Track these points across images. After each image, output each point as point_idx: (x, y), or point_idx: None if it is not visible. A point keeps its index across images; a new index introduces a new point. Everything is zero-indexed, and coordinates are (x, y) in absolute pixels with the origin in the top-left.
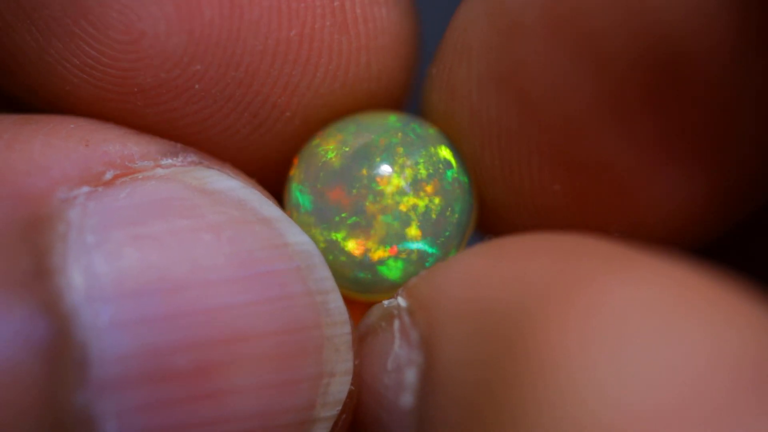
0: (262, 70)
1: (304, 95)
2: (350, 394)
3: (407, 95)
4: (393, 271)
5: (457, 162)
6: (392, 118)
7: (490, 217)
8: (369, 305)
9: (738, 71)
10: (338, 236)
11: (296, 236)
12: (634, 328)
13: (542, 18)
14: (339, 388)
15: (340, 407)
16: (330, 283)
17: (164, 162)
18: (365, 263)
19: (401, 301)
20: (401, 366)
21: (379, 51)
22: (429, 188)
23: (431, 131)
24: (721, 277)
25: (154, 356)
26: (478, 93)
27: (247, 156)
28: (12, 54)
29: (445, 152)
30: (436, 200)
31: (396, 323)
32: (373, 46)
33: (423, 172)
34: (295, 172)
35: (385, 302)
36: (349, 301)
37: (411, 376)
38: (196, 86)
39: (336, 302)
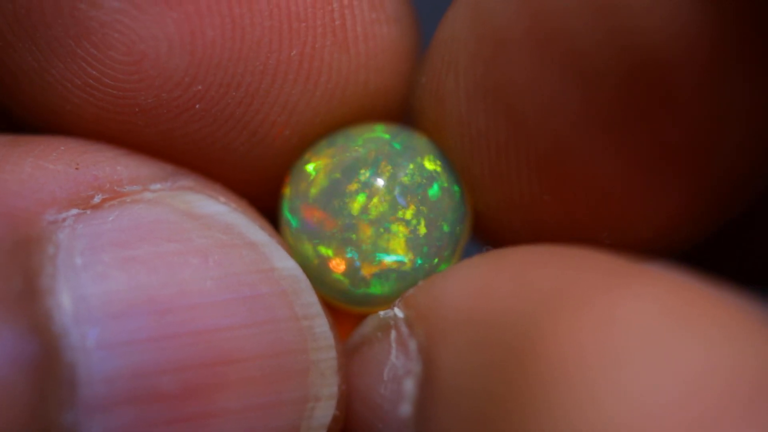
0: (263, 89)
1: (302, 113)
2: (335, 418)
3: (404, 109)
4: (383, 287)
5: (446, 173)
6: (380, 131)
7: (482, 224)
8: (362, 317)
9: (719, 84)
10: (329, 253)
11: (283, 261)
12: (647, 340)
13: (528, 34)
14: (324, 412)
15: (324, 431)
16: (316, 308)
17: (153, 186)
18: (356, 280)
19: (398, 311)
20: (398, 376)
21: (378, 69)
22: (417, 202)
23: (419, 142)
24: (723, 289)
25: (141, 377)
26: (467, 105)
27: (245, 173)
28: (12, 72)
29: (433, 164)
30: (425, 214)
31: (392, 333)
32: (373, 64)
33: (411, 186)
34: (286, 190)
35: (381, 313)
36: (341, 313)
37: (409, 386)
38: (197, 106)
39: (322, 327)
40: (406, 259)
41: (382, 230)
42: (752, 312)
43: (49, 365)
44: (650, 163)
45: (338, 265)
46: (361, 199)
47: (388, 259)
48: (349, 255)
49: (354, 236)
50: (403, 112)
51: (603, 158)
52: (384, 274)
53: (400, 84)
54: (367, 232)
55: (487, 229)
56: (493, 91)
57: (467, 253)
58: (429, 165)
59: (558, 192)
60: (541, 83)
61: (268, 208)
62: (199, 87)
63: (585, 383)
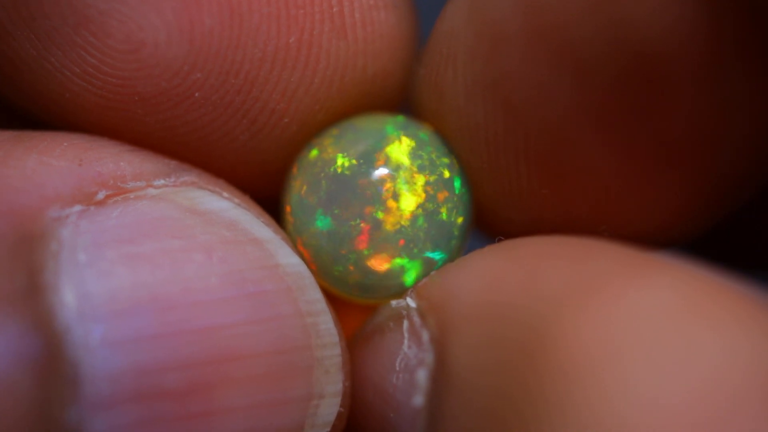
0: (262, 76)
1: (301, 100)
2: (339, 415)
3: (403, 95)
4: (400, 277)
5: (454, 164)
6: (389, 123)
7: (482, 216)
8: (368, 310)
9: (717, 79)
10: (345, 246)
11: (287, 257)
12: (652, 333)
13: (523, 28)
14: (328, 410)
15: (328, 429)
16: (321, 304)
17: (156, 182)
18: (373, 271)
19: (410, 301)
20: (411, 366)
21: (376, 55)
22: (434, 193)
23: (427, 134)
24: (732, 280)
25: (145, 375)
26: (465, 99)
27: (246, 161)
28: (12, 61)
29: (442, 156)
30: (443, 204)
31: (405, 323)
32: (371, 50)
33: (427, 177)
34: (296, 185)
35: (393, 302)
36: (348, 307)
37: (422, 376)
38: (196, 94)
39: (327, 324)
40: (423, 251)
41: (395, 223)
42: (765, 304)
43: (52, 363)
44: (649, 158)
45: (354, 258)
46: (374, 192)
47: (406, 252)
48: (366, 248)
49: (372, 230)
50: (401, 98)
51: (600, 152)
52: (400, 266)
53: (398, 70)
54: (385, 225)
55: (487, 221)
56: (491, 84)
57: (471, 245)
58: (438, 157)
59: (556, 185)
60: (536, 77)
61: (269, 196)
62: (198, 75)
63: (595, 381)
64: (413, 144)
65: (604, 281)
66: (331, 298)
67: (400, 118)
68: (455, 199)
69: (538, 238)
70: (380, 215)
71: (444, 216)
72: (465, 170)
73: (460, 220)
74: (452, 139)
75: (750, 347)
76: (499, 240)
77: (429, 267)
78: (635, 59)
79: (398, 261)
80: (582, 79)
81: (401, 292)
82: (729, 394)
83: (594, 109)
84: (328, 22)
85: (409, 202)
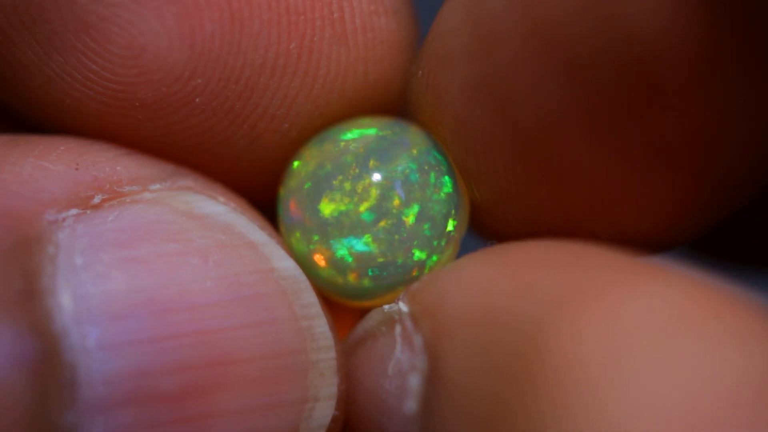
0: (262, 82)
1: (302, 106)
2: (334, 419)
3: (403, 101)
4: (379, 281)
5: (438, 165)
6: (368, 125)
7: (479, 218)
8: (363, 313)
9: (712, 80)
10: (324, 249)
11: (282, 261)
12: (648, 342)
13: (518, 25)
14: (323, 413)
15: None
16: (316, 308)
17: (152, 187)
18: (353, 275)
19: (402, 306)
20: (403, 371)
21: (377, 61)
22: (405, 196)
23: (411, 135)
24: (727, 285)
25: (141, 378)
26: (462, 100)
27: (245, 167)
28: (12, 66)
29: (423, 157)
30: (413, 207)
31: (397, 328)
32: (371, 56)
33: (399, 180)
34: (281, 190)
35: (386, 307)
36: (342, 309)
37: (414, 381)
38: (197, 100)
39: (321, 327)
40: (394, 253)
41: (370, 225)
42: (762, 312)
43: (49, 366)
44: (644, 159)
45: (321, 260)
46: (348, 194)
47: (379, 255)
48: (338, 252)
49: (344, 232)
50: (401, 103)
51: (595, 153)
52: (378, 270)
53: (398, 76)
54: (356, 227)
55: (484, 223)
56: (487, 85)
57: (468, 247)
58: (418, 158)
59: (553, 187)
60: (532, 77)
61: (269, 202)
62: (199, 81)
63: (591, 387)
64: (388, 150)
65: (601, 290)
66: (326, 304)
67: (383, 122)
68: (427, 203)
69: (531, 242)
70: (354, 219)
71: (412, 222)
72: (461, 172)
73: (436, 222)
74: (448, 141)
75: (743, 355)
76: (492, 244)
77: (404, 272)
78: (629, 57)
79: (370, 266)
80: (575, 77)
81: (386, 298)
82: (722, 400)
83: (587, 108)
84: (329, 28)
85: (375, 210)
